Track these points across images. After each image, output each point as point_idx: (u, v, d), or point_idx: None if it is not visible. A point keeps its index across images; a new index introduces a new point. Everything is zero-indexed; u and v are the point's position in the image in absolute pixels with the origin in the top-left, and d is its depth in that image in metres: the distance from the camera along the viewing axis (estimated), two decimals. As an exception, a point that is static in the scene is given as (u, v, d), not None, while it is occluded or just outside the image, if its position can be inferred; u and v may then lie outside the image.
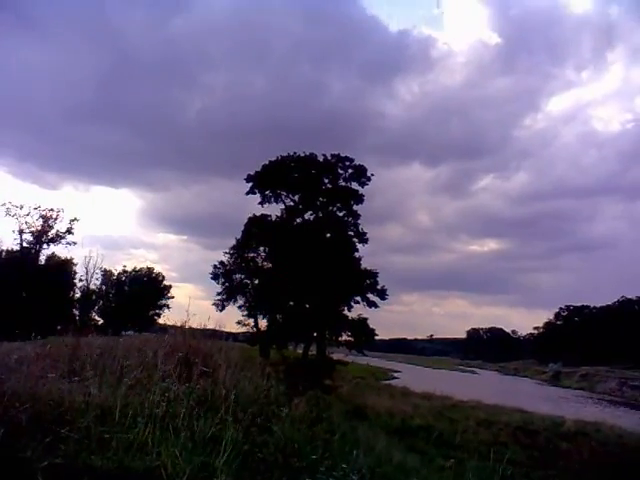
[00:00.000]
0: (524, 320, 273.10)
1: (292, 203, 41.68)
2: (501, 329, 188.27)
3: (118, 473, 4.37)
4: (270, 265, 42.62)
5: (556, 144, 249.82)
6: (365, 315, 40.12)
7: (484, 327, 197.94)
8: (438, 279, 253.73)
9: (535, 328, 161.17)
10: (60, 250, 45.29)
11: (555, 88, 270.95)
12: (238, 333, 42.21)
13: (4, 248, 43.63)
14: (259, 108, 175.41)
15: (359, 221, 40.96)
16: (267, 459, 5.88)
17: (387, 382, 52.32)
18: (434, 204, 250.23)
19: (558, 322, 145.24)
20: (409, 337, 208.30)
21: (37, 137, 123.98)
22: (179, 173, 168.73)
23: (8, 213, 41.42)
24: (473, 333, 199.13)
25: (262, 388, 10.02)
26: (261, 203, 41.91)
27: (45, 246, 44.15)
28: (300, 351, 39.75)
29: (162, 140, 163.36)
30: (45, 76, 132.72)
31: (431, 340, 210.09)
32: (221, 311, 42.48)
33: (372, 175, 41.59)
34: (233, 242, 43.20)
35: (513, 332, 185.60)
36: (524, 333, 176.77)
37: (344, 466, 6.46)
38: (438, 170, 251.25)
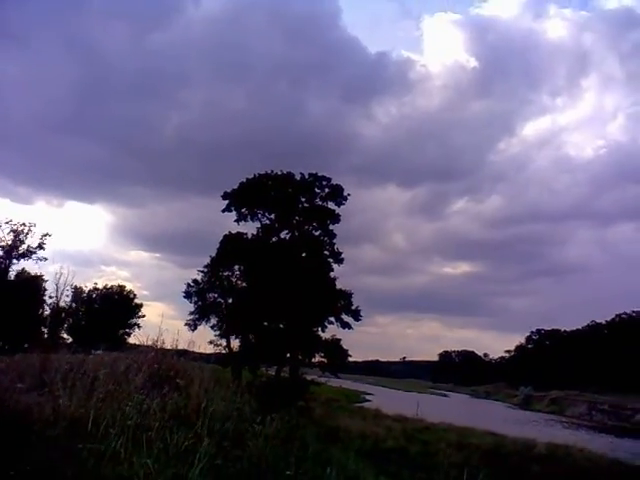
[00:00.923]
0: (496, 343, 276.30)
1: (268, 221, 41.60)
2: (473, 352, 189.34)
3: (89, 481, 4.27)
4: (244, 284, 42.30)
5: (530, 168, 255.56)
6: (339, 336, 40.08)
7: (456, 350, 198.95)
8: (412, 301, 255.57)
9: (507, 351, 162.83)
10: (30, 266, 44.45)
11: (530, 113, 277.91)
12: (210, 354, 41.53)
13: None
14: (238, 126, 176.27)
15: (335, 241, 41.00)
16: (241, 473, 5.82)
17: (360, 405, 52.07)
18: (409, 226, 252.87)
19: (529, 346, 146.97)
20: (382, 359, 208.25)
21: (10, 150, 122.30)
22: (155, 190, 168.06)
23: (-22, 227, 40.52)
24: (445, 356, 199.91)
25: (235, 405, 9.90)
26: (237, 221, 41.74)
27: (15, 261, 43.25)
28: (273, 373, 39.35)
29: (139, 156, 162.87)
30: (21, 89, 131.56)
31: (404, 362, 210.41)
32: (193, 331, 41.72)
33: (349, 195, 41.82)
34: (208, 260, 42.74)
35: (485, 355, 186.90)
36: (495, 356, 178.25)
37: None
38: (414, 192, 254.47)
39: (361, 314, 40.62)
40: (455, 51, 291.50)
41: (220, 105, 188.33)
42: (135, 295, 55.51)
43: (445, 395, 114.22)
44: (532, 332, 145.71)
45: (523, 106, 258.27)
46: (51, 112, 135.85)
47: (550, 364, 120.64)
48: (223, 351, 41.63)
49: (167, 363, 11.26)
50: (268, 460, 6.83)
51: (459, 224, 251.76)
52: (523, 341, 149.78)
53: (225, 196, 41.68)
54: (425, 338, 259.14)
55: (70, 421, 5.80)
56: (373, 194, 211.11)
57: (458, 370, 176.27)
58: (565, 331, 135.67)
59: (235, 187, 41.79)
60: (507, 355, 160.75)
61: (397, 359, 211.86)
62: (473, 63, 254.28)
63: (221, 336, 41.93)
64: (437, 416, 40.84)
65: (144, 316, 53.73)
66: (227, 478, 5.64)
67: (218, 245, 42.18)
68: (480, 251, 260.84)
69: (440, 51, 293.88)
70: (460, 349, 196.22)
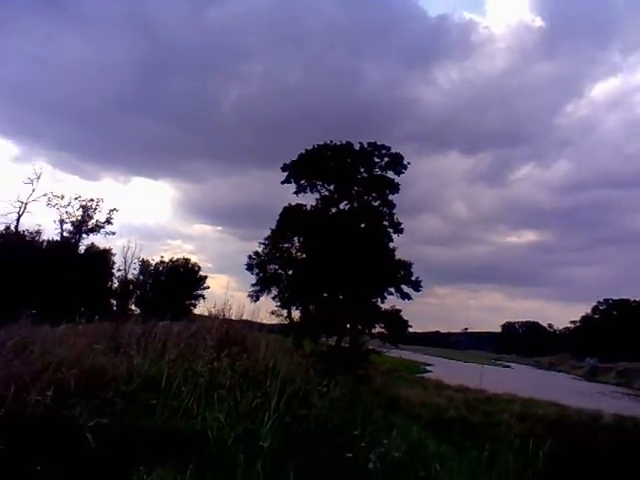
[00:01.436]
0: (561, 314, 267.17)
1: (327, 193, 41.61)
2: (537, 323, 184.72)
3: (164, 433, 4.42)
4: (304, 256, 42.61)
5: (599, 131, 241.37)
6: (399, 307, 40.00)
7: (519, 321, 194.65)
8: (474, 271, 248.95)
9: (572, 322, 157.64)
10: (99, 240, 46.11)
11: (600, 73, 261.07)
12: (272, 324, 42.24)
13: (45, 238, 44.46)
14: (296, 97, 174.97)
15: (394, 211, 40.74)
16: (308, 432, 5.91)
17: (420, 375, 51.97)
18: (471, 194, 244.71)
19: (595, 316, 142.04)
20: (443, 330, 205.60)
21: (77, 128, 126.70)
22: (216, 164, 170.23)
23: (49, 203, 42.35)
24: (508, 327, 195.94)
25: (301, 368, 10.05)
26: (296, 192, 41.95)
27: (85, 236, 44.93)
28: (333, 343, 39.69)
29: (199, 131, 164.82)
30: (84, 67, 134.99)
31: (465, 334, 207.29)
32: (255, 302, 42.46)
33: (408, 163, 41.30)
34: (268, 233, 43.24)
35: (549, 326, 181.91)
36: (561, 327, 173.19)
37: (385, 442, 6.44)
38: (477, 159, 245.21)
39: (421, 284, 40.39)
40: (519, 11, 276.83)
41: (278, 77, 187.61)
42: (200, 268, 56.98)
43: (508, 366, 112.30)
44: (599, 302, 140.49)
45: (592, 66, 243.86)
46: (114, 90, 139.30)
47: (617, 335, 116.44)
48: (284, 321, 42.28)
49: (234, 329, 11.51)
50: (334, 421, 6.90)
51: (524, 191, 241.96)
52: (589, 311, 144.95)
53: (284, 168, 41.89)
54: (487, 309, 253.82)
55: (144, 379, 6.03)
56: (434, 162, 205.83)
57: (521, 341, 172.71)
58: (634, 301, 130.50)
59: (294, 159, 41.93)
60: (572, 326, 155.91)
61: (458, 330, 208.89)
62: (539, 23, 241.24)
63: (282, 307, 42.50)
64: (499, 387, 40.25)
65: (208, 288, 55.23)
66: (295, 435, 5.74)
67: (278, 217, 42.57)
68: (546, 219, 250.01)
69: (504, 11, 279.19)
70: (524, 320, 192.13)
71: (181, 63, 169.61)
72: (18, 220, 39.41)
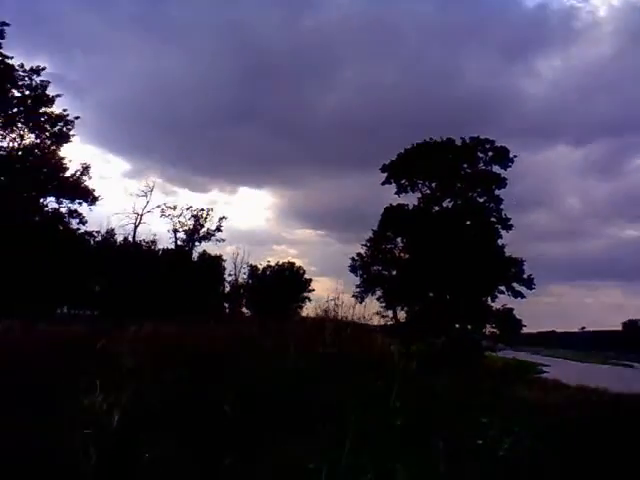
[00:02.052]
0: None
1: (429, 191, 40.89)
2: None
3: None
4: (408, 256, 42.07)
5: None
6: (511, 306, 38.44)
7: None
8: (589, 267, 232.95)
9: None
10: (210, 247, 48.17)
11: None
12: (377, 325, 41.95)
13: (160, 247, 46.96)
14: (392, 98, 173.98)
15: (502, 206, 39.25)
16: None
17: (537, 376, 49.57)
18: (583, 187, 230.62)
19: None
20: (558, 330, 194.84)
21: (184, 142, 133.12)
22: (315, 169, 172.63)
23: (163, 214, 44.67)
24: (630, 325, 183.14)
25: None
26: (397, 193, 41.57)
27: (197, 243, 47.03)
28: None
29: (299, 138, 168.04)
30: (185, 82, 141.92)
31: (583, 333, 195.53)
32: (360, 303, 42.36)
33: (515, 157, 39.66)
34: (370, 235, 43.15)
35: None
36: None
37: (516, 429, 6.16)
38: (587, 150, 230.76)
39: (534, 282, 38.57)
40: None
41: (373, 78, 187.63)
42: (304, 271, 58.30)
43: (630, 366, 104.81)
44: None
45: None
46: (216, 102, 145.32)
47: None
48: (390, 322, 41.87)
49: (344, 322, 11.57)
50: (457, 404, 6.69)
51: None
52: None
53: (384, 168, 41.63)
54: (606, 306, 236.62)
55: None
56: (541, 155, 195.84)
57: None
58: None
59: (393, 159, 41.57)
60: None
61: (575, 329, 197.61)
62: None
63: (387, 307, 42.14)
64: (622, 387, 37.47)
65: (313, 290, 56.25)
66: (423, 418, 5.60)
67: (379, 219, 42.35)
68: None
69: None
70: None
71: (278, 71, 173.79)
72: (135, 231, 41.90)
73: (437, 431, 5.14)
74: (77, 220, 35.07)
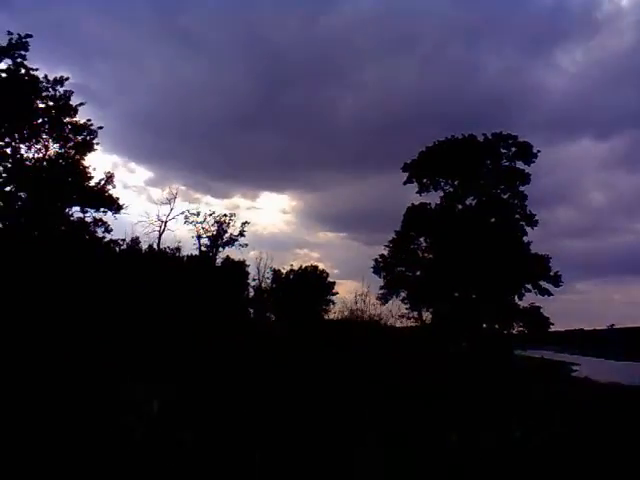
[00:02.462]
0: None
1: (452, 189, 40.49)
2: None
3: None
4: (431, 256, 41.72)
5: None
6: (538, 304, 37.89)
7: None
8: (618, 264, 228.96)
9: None
10: (233, 252, 48.32)
11: None
12: (402, 327, 41.63)
13: (185, 253, 47.25)
14: (411, 97, 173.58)
15: (526, 203, 38.75)
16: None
17: (567, 374, 48.75)
18: (609, 181, 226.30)
19: None
20: (587, 327, 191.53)
21: (205, 150, 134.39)
22: (335, 172, 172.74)
23: (187, 221, 44.89)
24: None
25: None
26: (419, 192, 41.25)
27: (220, 249, 47.20)
28: (465, 344, 38.31)
29: (318, 141, 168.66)
30: (205, 91, 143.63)
31: (612, 330, 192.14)
32: (384, 304, 42.15)
33: (538, 152, 39.10)
34: (392, 236, 42.87)
35: None
36: None
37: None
38: (611, 143, 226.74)
39: (561, 280, 37.95)
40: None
41: (393, 77, 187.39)
42: (327, 274, 58.28)
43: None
44: None
45: None
46: (236, 110, 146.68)
47: None
48: (415, 323, 41.48)
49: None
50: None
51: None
52: None
53: (405, 168, 41.36)
54: (636, 303, 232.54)
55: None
56: (564, 150, 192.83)
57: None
58: None
59: (415, 158, 41.28)
60: None
61: (604, 327, 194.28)
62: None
63: (412, 309, 41.76)
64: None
65: (337, 293, 56.10)
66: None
67: (401, 219, 42.07)
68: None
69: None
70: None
71: (296, 76, 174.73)
72: (159, 238, 42.18)
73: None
74: (102, 229, 35.38)
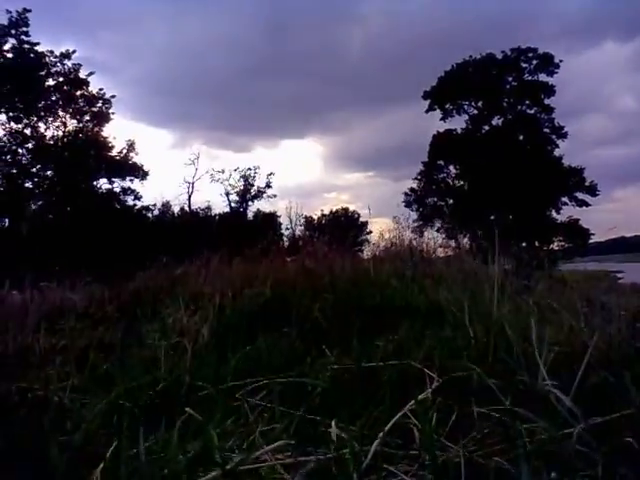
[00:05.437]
0: None
1: (476, 111, 39.43)
2: None
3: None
4: (462, 182, 41.05)
5: None
6: (576, 217, 37.23)
7: None
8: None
9: None
10: (263, 205, 48.37)
11: None
12: (442, 257, 41.28)
13: (216, 212, 47.50)
14: (422, 22, 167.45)
15: (553, 115, 37.55)
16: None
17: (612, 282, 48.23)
18: (636, 83, 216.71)
19: None
20: (628, 234, 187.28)
21: (222, 105, 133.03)
22: (355, 111, 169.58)
23: (213, 179, 44.96)
24: None
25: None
26: (443, 119, 40.32)
27: (250, 203, 47.27)
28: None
29: (333, 82, 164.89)
30: (213, 45, 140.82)
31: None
32: (420, 237, 41.75)
33: (561, 61, 37.53)
34: (420, 168, 42.16)
35: None
36: None
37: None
38: (635, 43, 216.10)
39: (598, 189, 37.06)
40: None
41: (399, 6, 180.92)
42: (359, 215, 57.93)
43: None
44: None
45: None
46: (247, 60, 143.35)
47: None
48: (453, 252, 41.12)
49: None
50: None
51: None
52: None
53: (426, 95, 40.28)
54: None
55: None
56: (586, 57, 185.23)
57: None
58: None
59: (434, 84, 40.16)
60: None
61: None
62: None
63: (448, 238, 41.32)
64: None
65: (371, 232, 56.01)
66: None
67: (427, 150, 41.30)
68: None
69: None
70: None
71: (303, 15, 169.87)
72: (189, 199, 42.48)
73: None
74: (132, 197, 35.74)
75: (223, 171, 46.38)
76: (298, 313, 3.93)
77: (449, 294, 4.34)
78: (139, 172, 35.60)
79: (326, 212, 57.10)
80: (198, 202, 45.53)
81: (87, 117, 33.80)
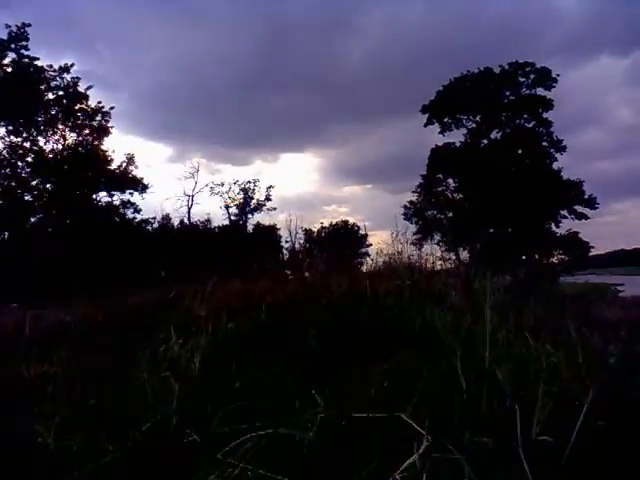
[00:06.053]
0: None
1: (474, 125, 39.48)
2: None
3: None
4: (461, 195, 41.07)
5: None
6: (575, 230, 37.21)
7: None
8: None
9: None
10: (262, 217, 48.40)
11: None
12: (441, 270, 41.15)
13: (215, 224, 47.55)
14: (421, 37, 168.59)
15: (552, 129, 37.60)
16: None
17: (613, 295, 47.96)
18: (634, 96, 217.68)
19: None
20: (627, 247, 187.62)
21: (221, 119, 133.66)
22: (353, 124, 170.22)
23: (212, 192, 45.11)
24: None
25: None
26: (441, 132, 40.34)
27: (249, 216, 47.36)
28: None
29: (332, 95, 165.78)
30: (212, 59, 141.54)
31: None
32: (420, 250, 41.69)
33: (558, 75, 37.63)
34: (419, 180, 42.18)
35: None
36: None
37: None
38: (632, 58, 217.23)
39: (597, 202, 37.06)
40: None
41: (399, 19, 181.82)
42: (358, 227, 57.96)
43: None
44: None
45: None
46: (245, 74, 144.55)
47: None
48: (453, 265, 40.99)
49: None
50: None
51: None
52: None
53: (424, 109, 40.38)
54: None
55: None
56: (584, 71, 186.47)
57: None
58: None
59: (433, 98, 40.29)
60: None
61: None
62: None
63: (448, 251, 41.26)
64: None
65: (371, 245, 56.03)
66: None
67: (426, 163, 41.35)
68: None
69: None
70: None
71: (301, 30, 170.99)
72: (189, 212, 42.58)
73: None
74: (131, 210, 35.80)
75: (223, 184, 46.57)
76: (294, 338, 3.88)
77: (447, 316, 4.30)
78: (138, 185, 35.70)
79: (326, 224, 57.17)
80: (198, 215, 45.64)
81: (86, 131, 33.94)
